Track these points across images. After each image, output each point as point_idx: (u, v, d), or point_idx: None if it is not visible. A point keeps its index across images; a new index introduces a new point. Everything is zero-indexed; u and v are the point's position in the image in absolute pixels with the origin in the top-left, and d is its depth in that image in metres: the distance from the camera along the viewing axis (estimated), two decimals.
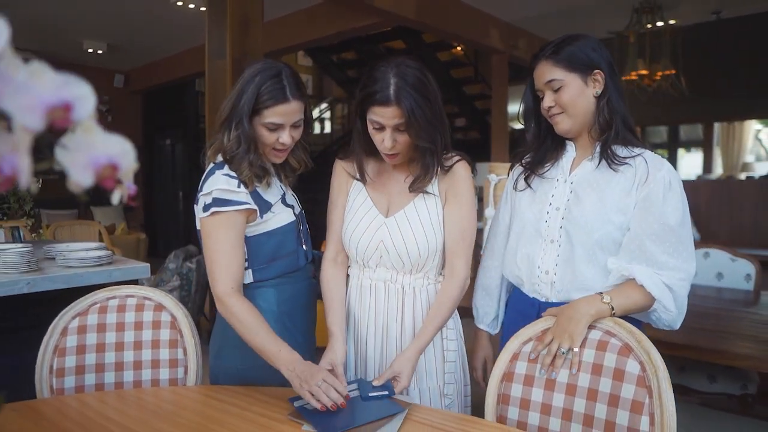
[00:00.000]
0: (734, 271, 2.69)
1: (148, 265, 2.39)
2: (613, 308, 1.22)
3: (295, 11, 5.49)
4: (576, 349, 1.19)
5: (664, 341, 1.79)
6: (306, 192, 2.38)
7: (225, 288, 1.32)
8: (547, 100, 1.34)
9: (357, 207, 1.49)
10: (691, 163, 11.56)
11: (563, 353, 1.19)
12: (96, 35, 6.83)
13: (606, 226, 1.28)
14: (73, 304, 1.50)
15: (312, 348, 1.58)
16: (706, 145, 10.23)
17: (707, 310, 2.32)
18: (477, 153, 6.62)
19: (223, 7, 3.65)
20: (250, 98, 1.33)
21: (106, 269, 2.25)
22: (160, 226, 9.31)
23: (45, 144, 0.51)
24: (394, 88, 1.29)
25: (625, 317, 1.26)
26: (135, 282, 2.33)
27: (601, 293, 1.24)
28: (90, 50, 7.16)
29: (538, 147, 1.45)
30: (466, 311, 1.71)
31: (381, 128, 1.33)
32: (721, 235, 5.40)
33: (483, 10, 5.57)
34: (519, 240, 1.44)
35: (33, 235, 3.04)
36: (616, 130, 1.29)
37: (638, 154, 1.30)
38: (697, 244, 2.97)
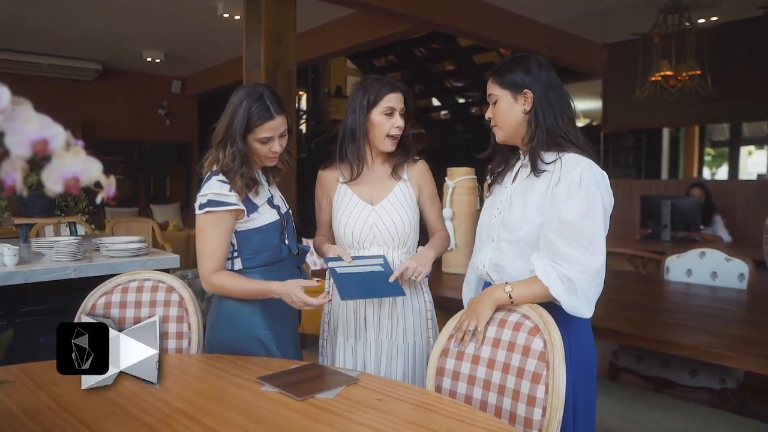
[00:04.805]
0: (728, 270, 2.74)
1: (178, 256, 2.73)
2: (510, 296, 1.40)
3: (328, 21, 5.77)
4: (480, 328, 1.39)
5: (618, 332, 1.95)
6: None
7: (209, 269, 1.61)
8: (488, 112, 1.56)
9: (346, 203, 1.81)
10: (757, 161, 11.03)
11: (470, 330, 1.40)
12: (154, 46, 7.42)
13: (527, 226, 1.44)
14: (101, 285, 1.83)
15: (295, 332, 1.84)
16: None
17: (679, 306, 2.45)
18: None
19: (258, 21, 3.97)
20: (242, 120, 1.62)
21: (141, 259, 2.60)
22: None
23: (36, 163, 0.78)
24: (394, 82, 1.77)
25: (548, 306, 1.42)
26: (167, 271, 2.67)
27: (507, 282, 1.42)
28: (149, 59, 7.76)
29: (499, 155, 1.65)
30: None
31: (391, 113, 1.74)
32: (757, 236, 5.27)
33: (519, 13, 5.64)
34: (479, 238, 1.65)
35: (86, 230, 3.45)
36: (539, 141, 1.45)
37: (558, 159, 1.42)
38: (698, 245, 3.03)
